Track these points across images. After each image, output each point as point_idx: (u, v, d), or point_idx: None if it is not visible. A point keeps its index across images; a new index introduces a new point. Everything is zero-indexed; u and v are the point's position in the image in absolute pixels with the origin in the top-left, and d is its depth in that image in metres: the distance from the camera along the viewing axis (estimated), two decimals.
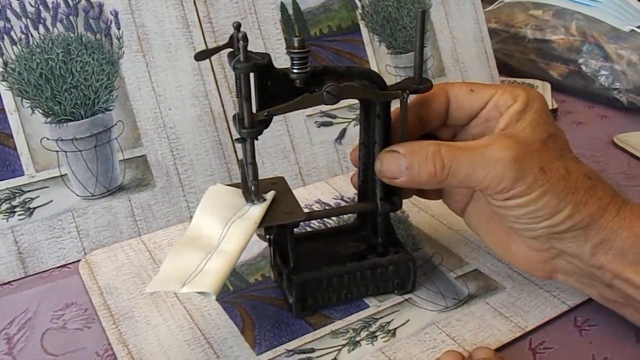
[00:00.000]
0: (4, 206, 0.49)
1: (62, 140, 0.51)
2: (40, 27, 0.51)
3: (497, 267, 0.48)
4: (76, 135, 0.52)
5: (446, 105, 0.43)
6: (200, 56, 0.40)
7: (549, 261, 0.42)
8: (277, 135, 0.60)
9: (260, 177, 0.41)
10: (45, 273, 0.49)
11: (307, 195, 0.58)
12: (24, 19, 0.51)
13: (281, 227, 0.41)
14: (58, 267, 0.49)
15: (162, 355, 0.40)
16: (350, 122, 0.63)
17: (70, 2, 0.52)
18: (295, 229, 0.42)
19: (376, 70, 0.62)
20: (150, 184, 0.54)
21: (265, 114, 0.38)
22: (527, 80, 0.84)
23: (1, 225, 0.49)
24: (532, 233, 0.40)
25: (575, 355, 0.41)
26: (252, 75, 0.37)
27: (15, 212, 0.49)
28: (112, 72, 0.53)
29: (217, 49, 0.39)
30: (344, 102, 0.62)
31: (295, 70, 0.38)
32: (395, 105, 0.42)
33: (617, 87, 0.79)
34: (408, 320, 0.43)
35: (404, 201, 0.45)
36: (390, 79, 0.66)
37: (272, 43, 0.61)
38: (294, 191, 0.43)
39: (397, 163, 0.40)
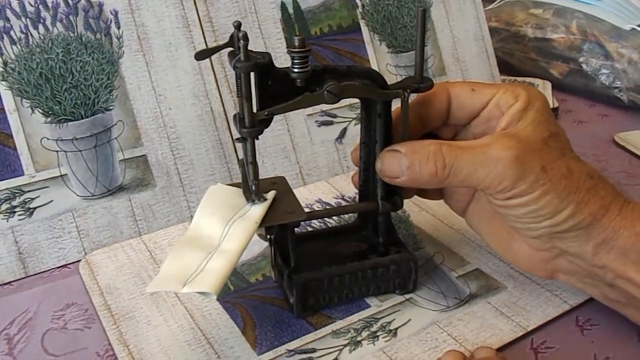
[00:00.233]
0: (4, 206, 0.49)
1: (62, 140, 0.51)
2: (40, 27, 0.51)
3: (499, 267, 0.48)
4: (76, 135, 0.51)
5: (447, 105, 0.43)
6: (201, 55, 0.39)
7: (551, 261, 0.41)
8: (278, 134, 0.59)
9: (260, 177, 0.41)
10: (45, 273, 0.49)
11: (307, 195, 0.58)
12: (23, 19, 0.51)
13: (282, 227, 0.41)
14: (58, 267, 0.49)
15: (163, 356, 0.40)
16: (350, 121, 0.63)
17: (70, 2, 0.52)
18: (296, 229, 0.42)
19: (377, 70, 0.62)
20: (151, 184, 0.54)
21: (266, 113, 0.38)
22: (528, 79, 0.83)
23: (1, 226, 0.48)
24: (533, 232, 0.40)
25: (577, 355, 0.41)
26: (252, 74, 0.37)
27: (15, 212, 0.49)
28: (112, 72, 0.53)
29: (217, 48, 0.39)
30: (345, 102, 0.62)
31: (295, 70, 0.38)
32: (396, 104, 0.42)
33: (618, 85, 0.78)
34: (409, 320, 0.43)
35: (405, 201, 0.45)
36: (390, 78, 0.65)
37: (272, 42, 0.60)
38: (294, 191, 0.43)
39: (398, 162, 0.40)
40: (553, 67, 0.85)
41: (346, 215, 0.53)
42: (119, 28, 0.54)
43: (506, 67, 0.87)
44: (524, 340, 0.42)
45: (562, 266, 0.41)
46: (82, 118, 0.52)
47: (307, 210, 0.42)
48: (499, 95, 0.41)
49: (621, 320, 0.42)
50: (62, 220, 0.50)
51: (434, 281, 0.47)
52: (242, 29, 0.36)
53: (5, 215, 0.49)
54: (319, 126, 0.62)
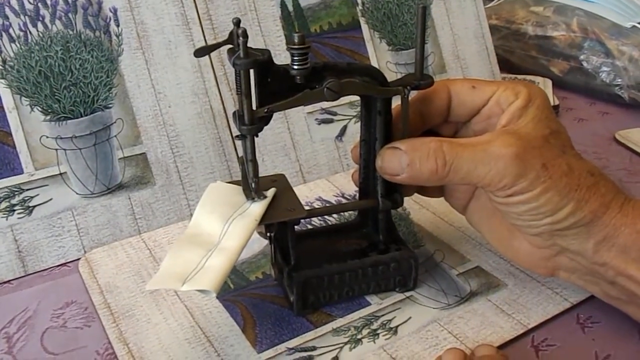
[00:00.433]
0: (3, 205, 0.49)
1: (61, 138, 0.51)
2: (39, 25, 0.51)
3: (499, 264, 0.48)
4: (75, 133, 0.51)
5: (448, 102, 0.43)
6: (200, 52, 0.39)
7: (551, 258, 0.41)
8: (278, 132, 0.59)
9: (260, 175, 0.41)
10: (45, 272, 0.49)
11: (307, 193, 0.58)
12: (22, 17, 0.50)
13: (282, 225, 0.41)
14: (58, 265, 0.49)
15: (163, 354, 0.40)
16: (351, 119, 0.63)
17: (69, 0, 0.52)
18: (296, 227, 0.42)
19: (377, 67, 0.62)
20: (150, 182, 0.54)
21: (266, 110, 0.38)
22: (528, 77, 0.83)
23: (1, 224, 0.48)
24: (534, 230, 0.40)
25: (578, 353, 0.41)
26: (252, 71, 0.37)
27: (14, 210, 0.49)
28: (112, 70, 0.53)
29: (216, 45, 0.39)
30: (345, 99, 0.62)
31: (295, 67, 0.37)
32: (396, 102, 0.42)
33: (619, 83, 0.78)
34: (410, 318, 0.43)
35: (405, 199, 0.45)
36: (390, 76, 0.65)
37: (272, 40, 0.60)
38: (294, 189, 0.43)
39: (399, 160, 0.40)
40: (553, 64, 0.85)
41: (346, 213, 0.53)
42: (118, 26, 0.54)
43: (506, 65, 0.87)
44: (524, 338, 0.42)
45: (563, 264, 0.41)
46: (82, 116, 0.52)
47: (307, 208, 0.42)
48: (500, 92, 0.41)
49: (622, 318, 0.42)
50: (61, 218, 0.50)
51: (435, 279, 0.47)
52: (241, 26, 0.36)
53: (4, 214, 0.49)
54: (319, 124, 0.61)
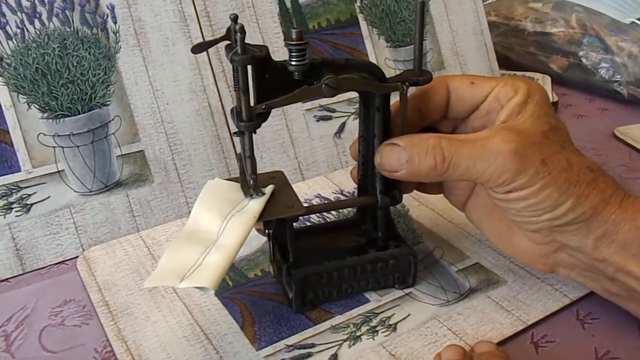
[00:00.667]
0: (1, 203, 0.48)
1: (59, 135, 0.51)
2: (36, 22, 0.51)
3: (499, 261, 0.48)
4: (73, 131, 0.51)
5: (446, 98, 0.42)
6: (197, 49, 0.39)
7: (551, 255, 0.41)
8: (276, 129, 0.59)
9: (258, 172, 0.40)
10: (43, 270, 0.48)
11: (306, 190, 0.58)
12: (19, 14, 0.50)
13: (280, 222, 0.41)
14: (56, 263, 0.49)
15: (161, 352, 0.40)
16: (349, 116, 0.63)
17: None
18: (294, 224, 0.42)
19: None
20: (148, 180, 0.53)
21: (264, 107, 0.38)
22: (527, 73, 0.83)
23: None
24: (533, 226, 0.40)
25: (578, 349, 0.41)
26: (249, 67, 0.37)
27: (12, 208, 0.49)
28: (109, 67, 0.53)
29: (214, 42, 0.39)
30: (343, 96, 0.62)
31: (293, 63, 0.37)
32: (395, 98, 0.41)
33: (618, 79, 0.78)
34: (409, 315, 0.43)
35: (404, 195, 0.45)
36: (389, 73, 0.65)
37: (270, 37, 0.60)
38: (293, 186, 0.43)
39: (397, 156, 0.40)
40: (552, 61, 0.85)
41: (345, 210, 0.53)
42: (115, 23, 0.54)
43: (505, 62, 0.87)
44: (524, 335, 0.42)
45: (563, 260, 0.41)
46: (79, 114, 0.51)
47: (305, 205, 0.42)
48: (499, 88, 0.41)
49: (622, 314, 0.41)
50: (59, 216, 0.50)
51: (434, 275, 0.47)
52: (239, 22, 0.36)
53: (2, 212, 0.48)
54: (318, 121, 0.61)
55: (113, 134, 0.53)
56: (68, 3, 0.52)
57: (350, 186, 0.57)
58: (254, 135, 0.39)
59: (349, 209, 0.52)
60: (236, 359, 0.39)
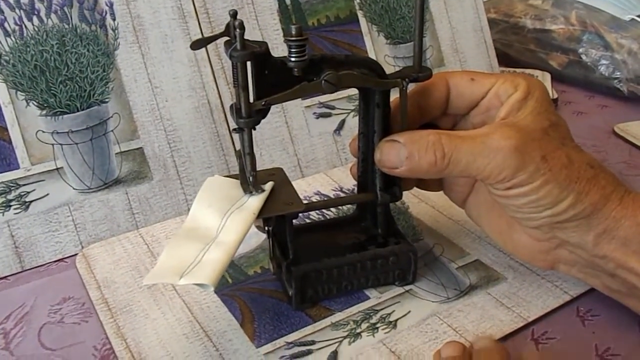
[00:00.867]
0: (0, 200, 0.48)
1: (57, 133, 0.51)
2: (34, 19, 0.51)
3: (499, 258, 0.48)
4: (72, 128, 0.51)
5: (446, 94, 0.42)
6: (196, 45, 0.39)
7: (551, 251, 0.41)
8: (276, 126, 0.59)
9: (258, 169, 0.40)
10: (42, 267, 0.48)
11: (306, 187, 0.58)
12: (17, 10, 0.50)
13: (280, 219, 0.41)
14: (55, 261, 0.49)
15: (161, 349, 0.40)
16: (349, 113, 0.63)
17: None
18: (294, 221, 0.42)
19: None
20: (148, 177, 0.53)
21: (263, 103, 0.38)
22: (527, 70, 0.83)
23: None
24: (534, 223, 0.40)
25: (578, 346, 0.40)
26: (249, 64, 0.36)
27: (11, 206, 0.49)
28: (108, 64, 0.53)
29: (213, 38, 0.39)
30: (343, 93, 0.62)
31: (293, 59, 0.37)
32: (394, 94, 0.41)
33: (618, 76, 0.78)
34: (409, 312, 0.43)
35: (404, 192, 0.44)
36: (389, 69, 0.64)
37: (269, 34, 0.60)
38: (292, 183, 0.43)
39: (397, 152, 0.39)
40: (552, 58, 0.85)
41: (345, 207, 0.53)
42: (114, 20, 0.53)
43: (505, 59, 0.86)
44: (524, 331, 0.42)
45: (563, 256, 0.41)
46: (78, 111, 0.51)
47: (305, 202, 0.42)
48: (499, 84, 0.41)
49: (622, 310, 0.41)
50: (58, 213, 0.50)
51: (434, 272, 0.47)
52: (238, 18, 0.36)
53: (0, 209, 0.48)
54: (317, 118, 0.61)
55: (112, 131, 0.52)
56: (66, 0, 0.52)
57: (350, 183, 0.57)
58: (253, 132, 0.39)
59: (348, 206, 0.52)
60: (236, 356, 0.39)
